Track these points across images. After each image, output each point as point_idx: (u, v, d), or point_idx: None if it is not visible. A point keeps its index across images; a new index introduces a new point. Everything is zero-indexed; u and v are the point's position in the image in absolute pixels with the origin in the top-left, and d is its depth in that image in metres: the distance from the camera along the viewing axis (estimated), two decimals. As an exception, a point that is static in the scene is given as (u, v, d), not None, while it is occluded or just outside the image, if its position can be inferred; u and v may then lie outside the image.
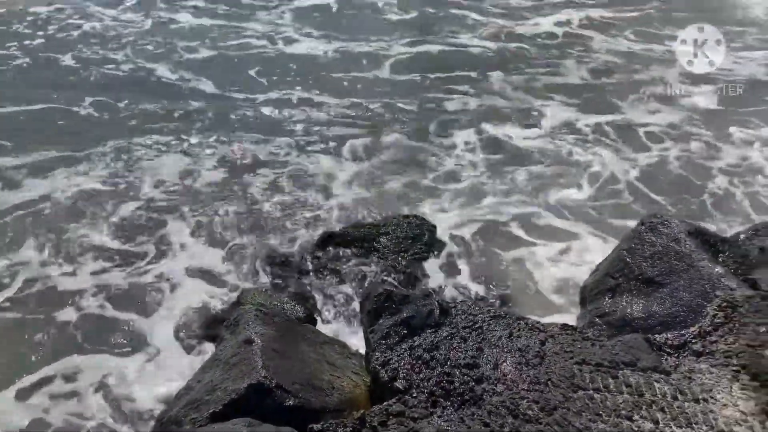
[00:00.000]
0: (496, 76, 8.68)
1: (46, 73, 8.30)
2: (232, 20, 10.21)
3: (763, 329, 3.37)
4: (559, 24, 10.50)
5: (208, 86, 8.23)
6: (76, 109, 7.54)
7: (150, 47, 9.16)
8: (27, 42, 8.93)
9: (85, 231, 5.68)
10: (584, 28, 10.38)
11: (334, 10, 10.86)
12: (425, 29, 10.16)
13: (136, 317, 4.82)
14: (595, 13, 11.00)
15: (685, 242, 4.09)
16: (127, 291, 5.07)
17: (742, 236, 4.89)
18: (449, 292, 4.74)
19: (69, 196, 6.09)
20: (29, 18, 9.60)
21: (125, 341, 4.64)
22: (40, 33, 9.15)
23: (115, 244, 5.56)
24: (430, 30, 10.14)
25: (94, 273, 5.22)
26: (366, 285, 4.64)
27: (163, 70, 8.55)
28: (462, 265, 5.17)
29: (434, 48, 9.56)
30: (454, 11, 10.86)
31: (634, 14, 11.14)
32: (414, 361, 3.26)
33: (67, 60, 8.58)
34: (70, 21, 9.64)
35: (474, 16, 10.65)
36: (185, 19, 10.15)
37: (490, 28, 10.06)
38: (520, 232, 5.70)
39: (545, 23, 10.45)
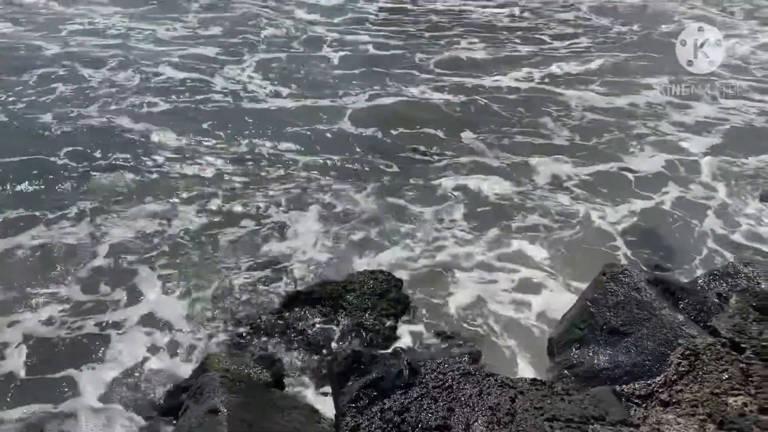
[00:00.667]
0: (466, 132, 8.84)
1: (25, 130, 8.28)
2: (204, 74, 10.48)
3: (725, 376, 3.43)
4: (521, 80, 10.88)
5: (173, 139, 8.25)
6: (52, 159, 7.52)
7: (128, 102, 9.24)
8: (10, 107, 8.91)
9: (50, 282, 5.56)
10: (550, 84, 10.72)
11: (290, 64, 11.22)
12: (377, 83, 10.46)
13: (76, 372, 4.64)
14: (557, 69, 11.45)
15: (646, 291, 4.19)
16: (76, 344, 4.92)
17: (700, 282, 5.04)
18: (418, 349, 4.70)
19: (39, 247, 5.99)
20: (15, 85, 9.60)
21: (60, 397, 4.45)
22: (24, 99, 9.14)
23: (79, 296, 5.43)
24: (383, 84, 10.44)
25: (42, 324, 5.06)
26: (333, 345, 4.58)
27: (141, 125, 8.57)
28: (430, 320, 5.15)
29: (391, 100, 9.81)
30: (397, 71, 11.22)
31: (593, 66, 11.65)
32: (385, 425, 3.20)
33: (47, 118, 8.57)
34: (53, 85, 9.67)
35: (423, 76, 10.99)
36: (165, 71, 10.45)
37: None
38: (490, 286, 5.73)
39: (505, 80, 10.82)
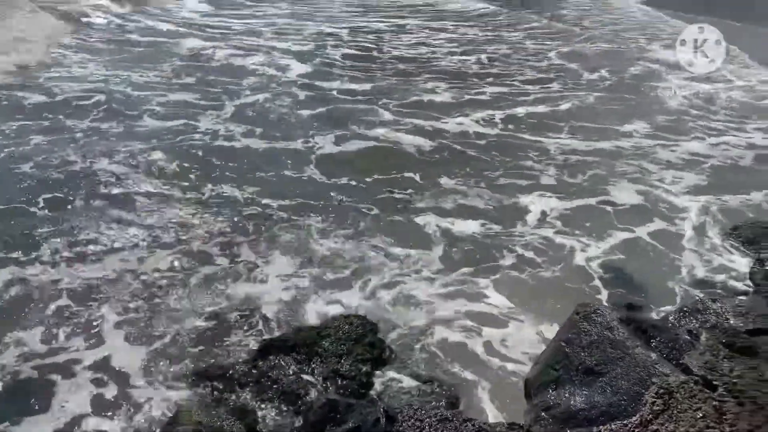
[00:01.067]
0: (444, 177, 8.89)
1: (4, 180, 8.15)
2: (189, 119, 10.60)
3: (700, 415, 3.45)
4: (493, 124, 11.06)
5: (151, 183, 8.24)
6: (32, 209, 7.41)
7: (109, 149, 9.20)
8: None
9: (8, 325, 5.42)
10: (525, 128, 10.89)
11: (264, 109, 11.41)
12: (339, 124, 10.66)
13: (15, 428, 4.44)
14: (531, 113, 11.68)
15: (619, 330, 4.23)
16: (21, 394, 4.75)
17: (671, 318, 5.11)
18: (395, 396, 4.63)
19: (3, 289, 5.88)
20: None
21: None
22: (5, 150, 9.01)
23: (35, 341, 5.28)
24: (345, 125, 10.64)
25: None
26: (309, 394, 4.49)
27: (120, 171, 8.53)
28: (406, 365, 5.09)
29: (362, 144, 9.97)
30: (361, 107, 11.54)
31: (568, 110, 11.94)
32: (360, 476, 3.14)
33: (27, 167, 8.47)
34: (34, 133, 9.58)
35: (386, 115, 11.23)
36: (145, 119, 10.54)
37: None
38: (467, 327, 5.71)
39: (477, 125, 11.01)
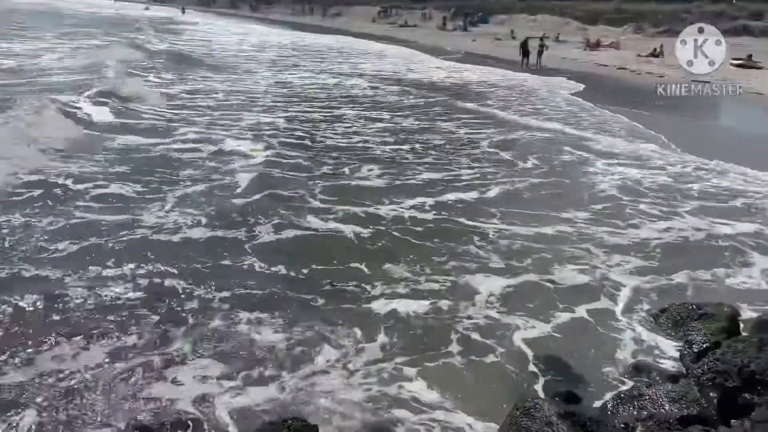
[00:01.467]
0: (387, 264, 8.90)
1: None
2: (129, 212, 10.48)
3: None
4: (429, 210, 11.29)
5: (81, 281, 7.91)
6: None
7: (39, 248, 8.86)
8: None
9: None
10: (458, 215, 11.09)
11: (203, 196, 11.54)
12: (277, 213, 10.68)
13: None
14: (453, 197, 12.05)
15: (558, 426, 4.24)
16: None
17: (609, 407, 5.18)
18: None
19: None
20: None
21: None
22: None
23: None
24: (283, 214, 10.67)
25: None
26: None
27: (52, 273, 8.13)
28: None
29: (296, 232, 10.03)
30: (297, 194, 11.79)
31: (495, 196, 12.30)
32: None
33: None
34: None
35: (322, 203, 11.41)
36: (79, 213, 10.34)
37: None
38: (403, 421, 5.55)
39: (415, 211, 11.22)
